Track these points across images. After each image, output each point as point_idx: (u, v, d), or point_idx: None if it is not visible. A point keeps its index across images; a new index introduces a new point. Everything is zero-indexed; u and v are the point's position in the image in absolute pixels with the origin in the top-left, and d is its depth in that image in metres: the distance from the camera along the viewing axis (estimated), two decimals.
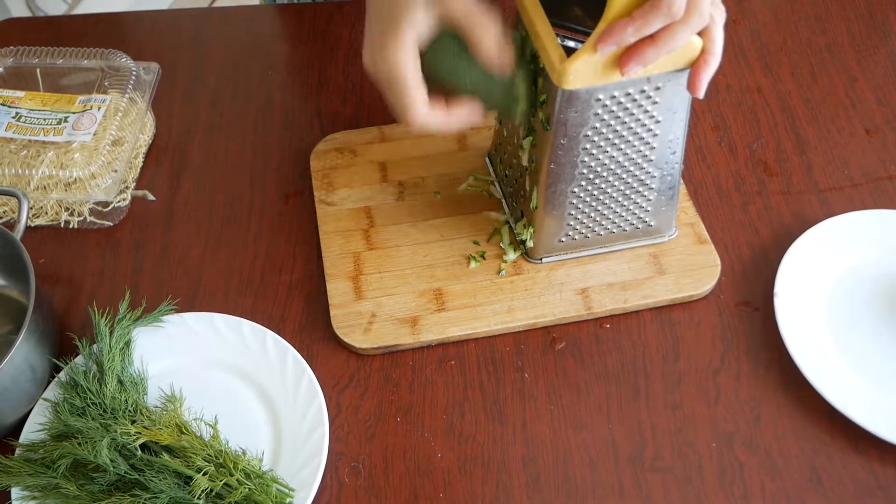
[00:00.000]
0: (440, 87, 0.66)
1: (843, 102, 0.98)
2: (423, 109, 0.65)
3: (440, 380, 0.79)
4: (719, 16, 0.67)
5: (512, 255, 0.84)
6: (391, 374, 0.79)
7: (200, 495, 0.68)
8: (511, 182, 0.85)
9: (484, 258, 0.84)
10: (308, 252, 0.87)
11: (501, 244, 0.84)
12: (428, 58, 0.65)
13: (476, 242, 0.85)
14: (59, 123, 0.89)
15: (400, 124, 0.94)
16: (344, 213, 0.88)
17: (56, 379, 0.76)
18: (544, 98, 0.71)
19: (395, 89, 0.64)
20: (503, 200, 0.88)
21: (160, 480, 0.68)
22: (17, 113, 0.90)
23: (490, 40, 0.64)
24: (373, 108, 0.98)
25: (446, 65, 0.66)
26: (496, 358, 0.80)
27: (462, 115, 0.68)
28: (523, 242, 0.83)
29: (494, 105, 0.71)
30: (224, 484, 0.69)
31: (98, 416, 0.72)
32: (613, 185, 0.78)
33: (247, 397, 0.77)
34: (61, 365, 0.76)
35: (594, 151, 0.74)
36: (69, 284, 0.86)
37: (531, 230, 0.81)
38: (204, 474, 0.69)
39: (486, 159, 0.91)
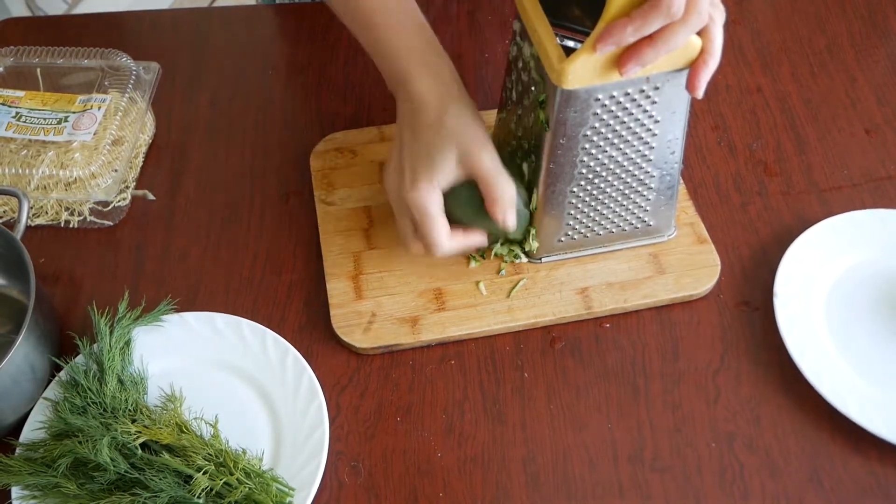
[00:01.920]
0: (453, 220, 0.75)
1: (843, 102, 0.98)
2: (445, 241, 0.75)
3: (440, 379, 0.79)
4: (718, 15, 0.67)
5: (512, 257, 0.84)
6: (391, 374, 0.79)
7: (200, 494, 0.68)
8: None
9: (484, 258, 0.84)
10: (308, 252, 0.87)
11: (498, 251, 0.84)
12: (447, 199, 0.74)
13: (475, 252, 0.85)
14: (59, 123, 0.89)
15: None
16: (344, 213, 0.88)
17: (56, 378, 0.76)
18: (543, 98, 0.71)
19: (422, 222, 0.74)
20: None
21: (160, 479, 0.68)
22: (17, 112, 0.90)
23: (505, 201, 0.73)
24: (373, 107, 0.98)
25: (464, 209, 0.75)
26: (496, 358, 0.80)
27: (474, 241, 0.78)
28: (526, 251, 0.83)
29: (499, 236, 0.82)
30: (224, 483, 0.69)
31: (98, 415, 0.73)
32: (613, 185, 0.78)
33: (247, 397, 0.77)
34: (61, 364, 0.76)
35: (593, 151, 0.74)
36: (69, 284, 0.86)
37: (533, 231, 0.81)
38: (204, 473, 0.69)
39: None
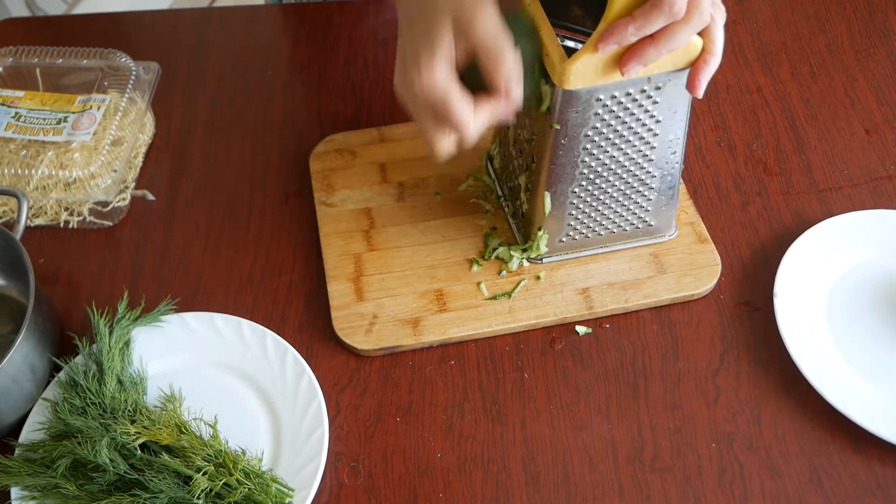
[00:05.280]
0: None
1: (843, 102, 0.98)
2: (471, 116, 0.66)
3: (440, 380, 0.79)
4: (720, 16, 0.67)
5: (515, 261, 0.83)
6: (391, 374, 0.79)
7: (200, 495, 0.68)
8: (511, 181, 0.85)
9: (485, 258, 0.84)
10: (308, 252, 0.87)
11: (499, 256, 0.84)
12: (463, 80, 0.66)
13: (478, 254, 0.84)
14: (58, 123, 0.89)
15: (402, 124, 0.94)
16: (344, 215, 0.88)
17: (56, 378, 0.76)
18: (547, 106, 0.71)
19: (440, 103, 0.65)
20: (503, 200, 0.87)
21: (160, 480, 0.68)
22: (16, 113, 0.90)
23: (505, 68, 0.64)
24: (373, 108, 0.98)
25: (478, 81, 0.66)
26: (496, 358, 0.80)
27: (500, 107, 0.68)
28: (527, 253, 0.83)
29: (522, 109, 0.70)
30: (224, 484, 0.69)
31: (98, 415, 0.72)
32: (614, 185, 0.78)
33: (246, 397, 0.77)
34: (61, 364, 0.76)
35: (595, 151, 0.74)
36: (69, 284, 0.85)
37: (546, 235, 0.80)
38: (203, 474, 0.69)
39: (486, 159, 0.91)
